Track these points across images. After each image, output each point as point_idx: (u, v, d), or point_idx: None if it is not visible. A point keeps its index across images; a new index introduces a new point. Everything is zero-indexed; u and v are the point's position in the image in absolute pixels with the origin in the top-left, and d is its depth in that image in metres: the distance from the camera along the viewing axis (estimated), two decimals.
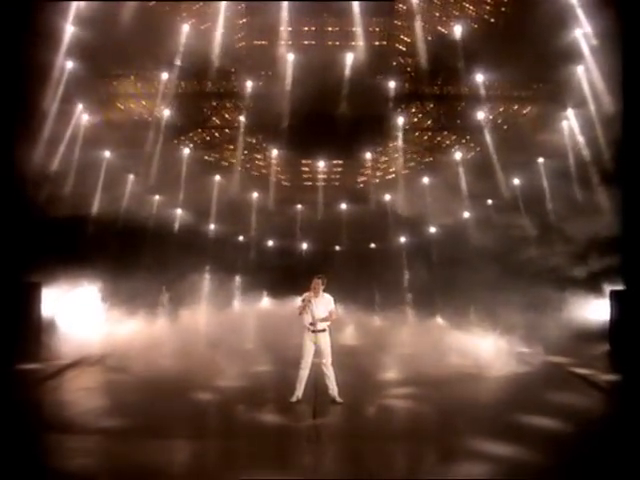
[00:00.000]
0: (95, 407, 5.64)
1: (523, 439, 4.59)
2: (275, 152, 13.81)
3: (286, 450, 4.48)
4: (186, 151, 13.39)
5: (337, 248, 14.76)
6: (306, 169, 15.08)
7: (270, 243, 14.73)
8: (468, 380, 7.03)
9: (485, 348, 8.07)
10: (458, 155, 13.68)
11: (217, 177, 13.99)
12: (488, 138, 12.76)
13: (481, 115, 12.74)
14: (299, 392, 5.82)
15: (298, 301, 5.89)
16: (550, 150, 12.15)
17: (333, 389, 5.84)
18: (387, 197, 14.46)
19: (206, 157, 13.90)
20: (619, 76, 9.28)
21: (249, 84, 12.43)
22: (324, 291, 5.95)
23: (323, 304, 5.85)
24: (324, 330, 5.82)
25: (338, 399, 5.82)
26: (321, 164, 14.24)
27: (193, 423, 5.25)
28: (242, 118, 13.03)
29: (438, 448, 4.68)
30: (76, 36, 10.49)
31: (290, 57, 11.89)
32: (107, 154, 12.43)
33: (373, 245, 15.05)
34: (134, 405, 5.67)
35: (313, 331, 5.71)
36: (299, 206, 14.55)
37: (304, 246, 14.57)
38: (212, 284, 13.02)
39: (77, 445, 4.37)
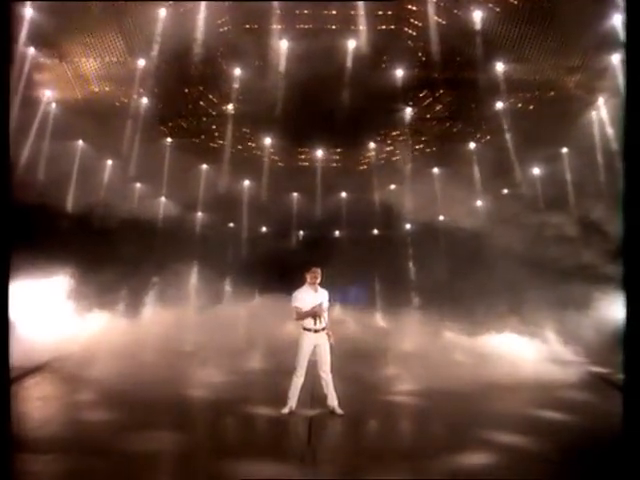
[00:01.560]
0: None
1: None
2: (268, 140, 13.68)
3: (277, 470, 4.05)
4: (168, 139, 13.31)
5: (337, 234, 14.71)
6: (303, 157, 14.99)
7: (264, 229, 14.74)
8: (494, 393, 6.48)
9: (520, 355, 7.65)
10: (472, 145, 13.39)
11: (204, 165, 13.94)
12: (506, 127, 12.26)
13: (499, 104, 12.28)
14: (292, 402, 5.39)
15: (297, 298, 5.39)
16: (582, 141, 11.68)
17: (332, 398, 5.43)
18: (392, 186, 14.38)
19: (191, 145, 13.72)
20: None
21: (236, 71, 12.18)
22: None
23: (323, 300, 5.47)
24: (324, 329, 5.42)
25: (338, 410, 5.40)
26: (319, 152, 14.19)
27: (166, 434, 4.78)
28: (230, 106, 12.91)
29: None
30: (42, 20, 9.93)
31: (283, 43, 11.52)
32: (80, 143, 12.29)
33: (376, 231, 14.81)
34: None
35: (314, 331, 5.30)
36: (295, 194, 14.46)
37: (300, 233, 14.62)
38: (196, 278, 12.84)
39: None
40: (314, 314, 5.33)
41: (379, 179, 14.15)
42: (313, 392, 5.69)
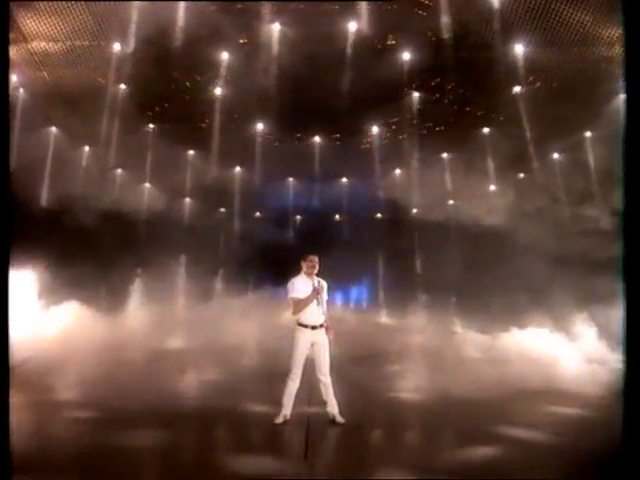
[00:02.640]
0: None
1: None
2: (261, 126, 13.53)
3: None
4: (150, 125, 13.18)
5: (337, 218, 14.47)
6: (299, 142, 14.62)
7: (257, 214, 14.67)
8: (523, 398, 5.93)
9: (550, 353, 7.19)
10: (486, 130, 13.11)
11: (191, 151, 13.81)
12: (523, 112, 11.86)
13: (517, 87, 11.89)
14: (287, 410, 4.96)
15: (294, 289, 4.97)
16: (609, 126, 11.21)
17: (332, 405, 5.00)
18: (397, 171, 14.24)
19: (176, 130, 13.40)
20: None
21: (224, 54, 11.81)
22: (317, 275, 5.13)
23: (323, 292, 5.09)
24: (322, 325, 5.02)
25: (339, 418, 4.98)
26: (317, 138, 14.10)
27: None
28: (218, 90, 12.60)
29: None
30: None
31: (275, 25, 11.08)
32: (53, 130, 12.06)
33: (379, 215, 14.54)
34: None
35: (312, 328, 4.91)
36: (291, 179, 14.27)
37: (297, 218, 14.42)
38: (183, 272, 12.60)
39: None
40: (317, 294, 4.92)
41: (383, 163, 13.93)
42: (311, 398, 5.32)
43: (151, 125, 13.07)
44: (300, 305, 4.96)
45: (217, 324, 9.62)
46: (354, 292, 15.73)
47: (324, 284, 5.13)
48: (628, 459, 2.78)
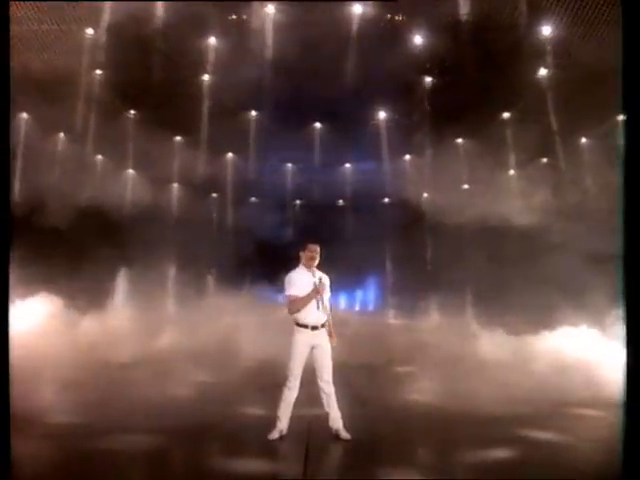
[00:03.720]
0: None
1: None
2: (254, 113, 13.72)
3: None
4: (132, 111, 13.29)
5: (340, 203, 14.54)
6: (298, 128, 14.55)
7: (253, 199, 14.70)
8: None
9: (595, 358, 6.72)
10: (506, 115, 13.07)
11: (177, 137, 13.92)
12: (546, 98, 11.75)
13: (542, 71, 11.77)
14: (283, 424, 4.60)
15: (293, 283, 4.62)
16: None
17: (335, 418, 4.64)
18: (407, 156, 14.26)
19: (161, 117, 13.36)
20: None
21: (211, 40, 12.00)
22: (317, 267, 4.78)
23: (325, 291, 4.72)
24: (324, 326, 4.67)
25: (344, 433, 4.61)
26: (318, 125, 14.24)
27: None
28: (206, 76, 12.86)
29: None
30: None
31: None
32: (24, 116, 11.97)
33: (387, 200, 14.33)
34: None
35: (312, 328, 4.58)
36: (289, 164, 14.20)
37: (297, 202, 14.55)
38: (173, 266, 12.42)
39: None
40: (317, 294, 4.57)
41: (392, 149, 13.94)
42: (311, 409, 4.92)
43: (132, 111, 13.06)
44: (298, 304, 4.61)
45: (206, 325, 9.35)
46: (359, 288, 15.42)
47: (326, 280, 4.76)
48: None
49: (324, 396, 4.63)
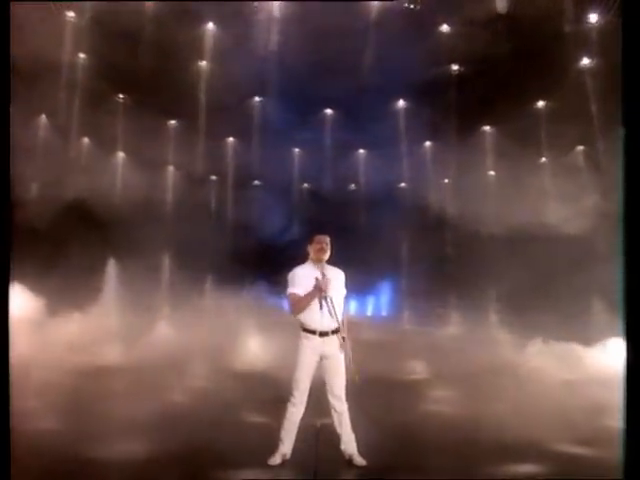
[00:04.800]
0: None
1: None
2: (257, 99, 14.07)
3: None
4: (120, 95, 13.65)
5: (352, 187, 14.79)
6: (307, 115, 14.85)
7: (256, 182, 14.83)
8: None
9: None
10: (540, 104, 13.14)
11: (172, 121, 14.16)
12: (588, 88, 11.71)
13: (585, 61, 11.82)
14: (286, 447, 4.23)
15: (297, 281, 4.27)
16: None
17: (348, 441, 4.26)
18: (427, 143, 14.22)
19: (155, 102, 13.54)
20: None
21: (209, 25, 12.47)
22: (328, 261, 4.39)
23: (335, 285, 4.31)
24: (335, 332, 4.27)
25: (358, 459, 4.22)
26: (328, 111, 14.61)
27: None
28: (203, 63, 13.26)
29: None
30: None
31: None
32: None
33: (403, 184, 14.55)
34: None
35: (320, 334, 4.22)
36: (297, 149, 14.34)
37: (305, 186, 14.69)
38: (167, 261, 12.27)
39: None
40: (319, 291, 4.18)
41: (410, 136, 13.97)
42: (319, 430, 4.61)
43: (121, 95, 13.36)
44: (300, 304, 4.23)
45: (200, 328, 9.08)
46: (372, 291, 15.10)
47: (337, 274, 4.36)
48: None
49: (335, 415, 4.26)
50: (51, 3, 10.71)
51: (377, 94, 13.11)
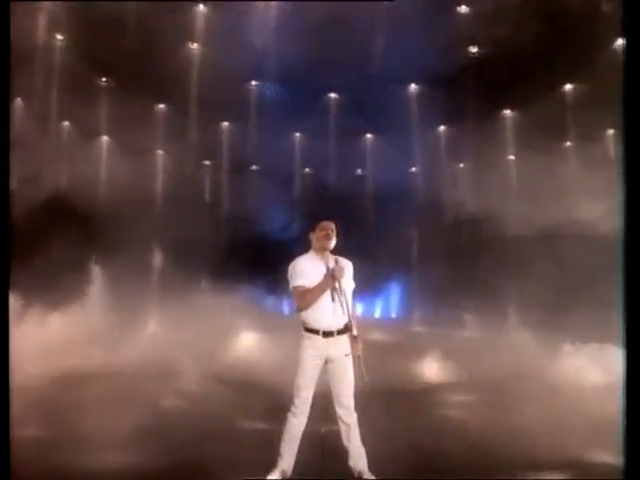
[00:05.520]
0: None
1: None
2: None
3: None
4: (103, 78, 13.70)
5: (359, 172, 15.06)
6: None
7: (253, 167, 14.99)
8: None
9: None
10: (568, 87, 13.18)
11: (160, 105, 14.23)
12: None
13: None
14: (286, 463, 4.07)
15: (300, 272, 4.08)
16: None
17: (358, 457, 4.09)
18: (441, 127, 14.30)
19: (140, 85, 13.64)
20: None
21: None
22: (332, 252, 4.24)
23: (345, 279, 4.15)
24: (343, 333, 4.10)
25: (369, 477, 4.06)
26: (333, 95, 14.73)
27: None
28: (195, 45, 13.39)
29: None
30: None
31: None
32: None
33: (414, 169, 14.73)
34: None
35: (326, 334, 4.04)
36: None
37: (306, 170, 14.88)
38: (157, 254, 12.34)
39: None
40: (332, 280, 4.00)
41: (423, 121, 13.99)
42: (324, 443, 4.47)
43: (104, 78, 13.38)
44: (308, 297, 4.05)
45: (190, 330, 8.93)
46: (381, 290, 14.98)
47: (346, 265, 4.20)
48: None
49: (342, 426, 4.09)
50: None
51: (387, 78, 13.19)
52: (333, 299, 4.04)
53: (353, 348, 4.05)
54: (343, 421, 4.07)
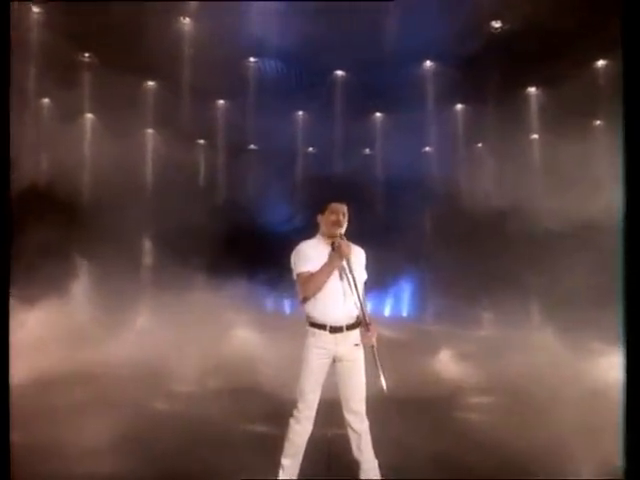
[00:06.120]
0: None
1: None
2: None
3: None
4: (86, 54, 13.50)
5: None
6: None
7: (252, 147, 15.08)
8: None
9: None
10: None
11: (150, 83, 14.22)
12: None
13: None
14: (289, 474, 3.89)
15: (305, 258, 3.89)
16: None
17: (369, 469, 3.90)
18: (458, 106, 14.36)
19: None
20: None
21: None
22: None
23: (355, 263, 3.94)
24: (353, 328, 3.91)
25: None
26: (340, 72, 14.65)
27: None
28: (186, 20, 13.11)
29: None
30: None
31: None
32: None
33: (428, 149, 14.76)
34: None
35: (332, 330, 3.85)
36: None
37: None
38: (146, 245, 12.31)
39: None
40: (340, 259, 3.79)
41: (438, 99, 13.85)
42: (330, 452, 4.26)
43: (86, 54, 13.14)
44: (313, 281, 3.82)
45: (185, 329, 8.81)
46: (391, 285, 14.83)
47: (358, 252, 4.01)
48: None
49: (353, 436, 3.89)
50: None
51: (401, 55, 12.92)
52: (341, 278, 3.83)
53: (364, 337, 3.83)
54: (353, 429, 3.87)
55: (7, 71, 3.26)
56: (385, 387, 3.69)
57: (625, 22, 3.17)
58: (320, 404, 3.89)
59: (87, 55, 13.19)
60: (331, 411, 4.02)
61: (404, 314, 15.64)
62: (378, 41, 12.23)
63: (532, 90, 13.93)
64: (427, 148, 15.13)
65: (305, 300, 3.88)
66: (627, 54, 3.17)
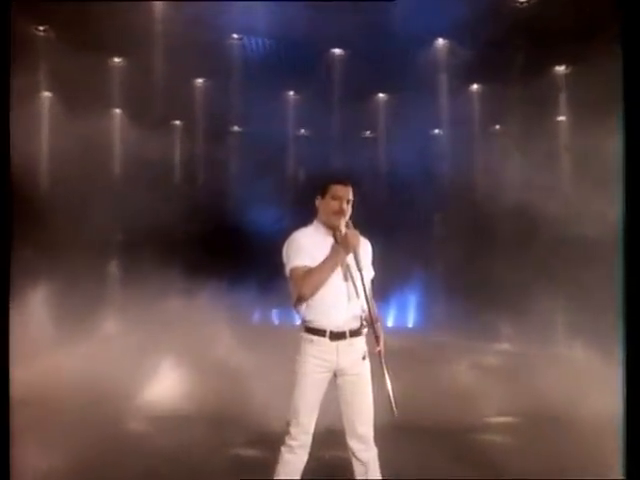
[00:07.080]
0: None
1: None
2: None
3: None
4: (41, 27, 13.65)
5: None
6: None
7: (236, 128, 15.50)
8: None
9: None
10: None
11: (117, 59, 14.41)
12: None
13: None
14: None
15: (300, 250, 3.68)
16: None
17: None
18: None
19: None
20: None
21: None
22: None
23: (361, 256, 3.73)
24: (358, 334, 3.72)
25: None
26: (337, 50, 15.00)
27: None
28: None
29: None
30: None
31: None
32: None
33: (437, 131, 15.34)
34: None
35: (333, 336, 3.64)
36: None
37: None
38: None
39: None
40: (345, 252, 3.58)
41: (450, 79, 14.24)
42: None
43: (41, 27, 13.24)
44: (312, 277, 3.60)
45: (155, 346, 8.69)
46: (394, 292, 14.77)
47: (363, 242, 3.78)
48: None
49: (358, 467, 3.70)
50: None
51: (408, 31, 13.02)
52: (345, 275, 3.63)
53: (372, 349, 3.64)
54: (358, 458, 3.69)
55: (7, 71, 3.41)
56: (395, 409, 3.50)
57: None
58: (316, 429, 3.72)
59: (42, 29, 13.24)
60: (332, 438, 3.92)
61: (409, 325, 15.68)
62: (383, 14, 12.28)
63: (560, 69, 14.17)
64: (437, 130, 15.48)
65: (300, 301, 3.66)
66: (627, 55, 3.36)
